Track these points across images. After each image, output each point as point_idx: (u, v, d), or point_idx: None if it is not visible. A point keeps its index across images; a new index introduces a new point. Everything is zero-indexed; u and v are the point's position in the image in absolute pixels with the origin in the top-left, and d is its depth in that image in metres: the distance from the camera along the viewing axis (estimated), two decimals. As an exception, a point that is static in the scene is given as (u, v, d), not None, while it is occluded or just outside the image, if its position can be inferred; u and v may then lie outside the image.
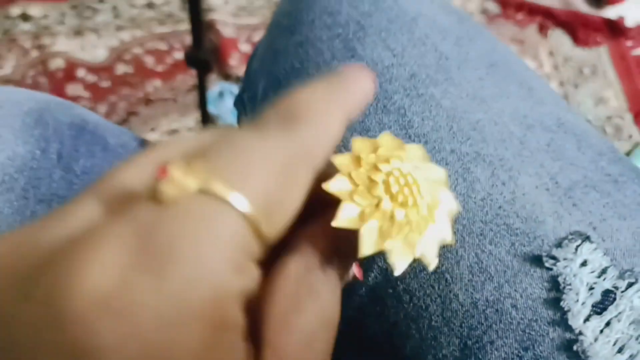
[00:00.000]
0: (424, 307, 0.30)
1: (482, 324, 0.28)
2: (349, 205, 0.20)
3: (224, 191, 0.17)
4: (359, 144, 0.22)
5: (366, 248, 0.20)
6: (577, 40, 1.33)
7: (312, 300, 0.19)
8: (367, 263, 0.32)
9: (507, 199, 0.30)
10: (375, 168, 0.21)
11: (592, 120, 1.23)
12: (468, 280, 0.29)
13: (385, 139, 0.22)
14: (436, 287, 0.29)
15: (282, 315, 0.18)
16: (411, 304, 0.30)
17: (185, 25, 1.14)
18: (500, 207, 0.30)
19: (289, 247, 0.20)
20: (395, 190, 0.20)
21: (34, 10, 1.13)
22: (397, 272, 0.20)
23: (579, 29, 1.34)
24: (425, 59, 0.36)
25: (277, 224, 0.18)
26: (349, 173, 0.21)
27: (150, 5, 1.19)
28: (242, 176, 0.17)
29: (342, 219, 0.20)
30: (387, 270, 0.31)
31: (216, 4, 1.20)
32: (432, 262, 0.21)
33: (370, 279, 0.31)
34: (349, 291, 0.32)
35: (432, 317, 0.29)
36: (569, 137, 0.33)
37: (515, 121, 0.33)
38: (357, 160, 0.21)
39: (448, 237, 0.21)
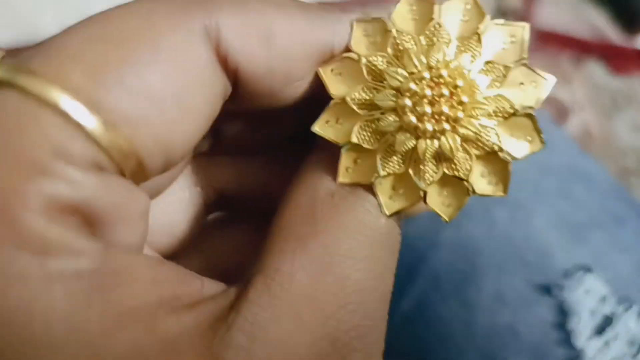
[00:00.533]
0: (449, 330, 0.35)
1: (500, 343, 0.33)
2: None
3: (33, 84, 0.14)
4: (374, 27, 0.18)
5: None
6: (610, 69, 1.36)
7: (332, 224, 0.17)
8: (400, 291, 0.37)
9: (522, 236, 0.35)
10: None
11: (628, 147, 1.25)
12: (488, 307, 0.34)
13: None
14: (461, 313, 0.34)
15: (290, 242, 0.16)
16: (439, 327, 0.35)
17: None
18: (516, 244, 0.35)
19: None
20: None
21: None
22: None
23: (613, 58, 1.36)
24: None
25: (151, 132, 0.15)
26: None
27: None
28: (73, 65, 0.15)
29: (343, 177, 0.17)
30: (419, 298, 0.36)
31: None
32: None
33: (404, 305, 0.37)
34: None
35: (457, 338, 0.34)
36: (578, 180, 0.38)
37: (530, 167, 0.38)
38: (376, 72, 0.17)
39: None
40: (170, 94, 0.15)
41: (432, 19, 0.17)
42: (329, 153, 0.18)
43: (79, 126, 0.14)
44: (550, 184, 0.38)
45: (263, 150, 0.23)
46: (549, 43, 1.38)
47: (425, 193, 0.17)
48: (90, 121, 0.14)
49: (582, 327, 0.31)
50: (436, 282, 0.36)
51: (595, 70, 1.35)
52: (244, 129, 0.22)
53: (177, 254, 0.21)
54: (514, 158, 0.17)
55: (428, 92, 0.16)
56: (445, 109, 0.16)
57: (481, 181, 0.17)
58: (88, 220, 0.15)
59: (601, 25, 1.38)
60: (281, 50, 0.17)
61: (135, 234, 0.16)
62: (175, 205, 0.21)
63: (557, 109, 1.22)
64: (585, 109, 1.30)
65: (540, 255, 0.35)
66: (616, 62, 1.35)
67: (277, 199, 0.20)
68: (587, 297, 0.32)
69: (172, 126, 0.16)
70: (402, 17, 0.18)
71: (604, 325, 0.31)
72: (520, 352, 0.33)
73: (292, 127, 0.21)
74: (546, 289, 0.33)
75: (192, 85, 0.16)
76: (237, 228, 0.23)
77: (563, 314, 0.32)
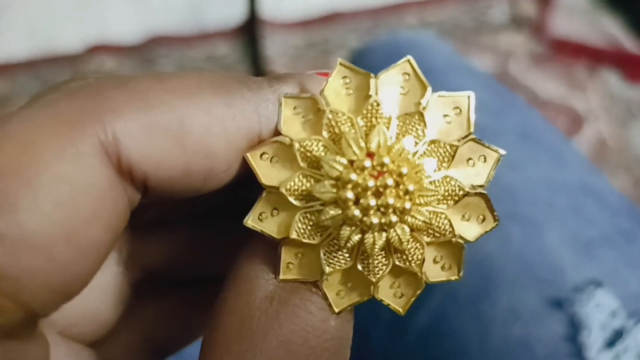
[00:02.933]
0: (464, 343, 0.36)
1: (513, 357, 0.34)
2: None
3: None
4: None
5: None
6: (625, 78, 1.35)
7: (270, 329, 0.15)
8: (416, 305, 0.38)
9: (535, 252, 0.37)
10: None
11: (643, 156, 1.25)
12: (502, 321, 0.35)
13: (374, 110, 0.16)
14: (475, 327, 0.36)
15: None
16: (454, 341, 0.36)
17: (243, 76, 1.21)
18: (529, 260, 0.36)
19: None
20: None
21: (108, 64, 1.23)
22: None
23: (627, 67, 1.36)
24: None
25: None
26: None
27: (210, 59, 1.28)
28: None
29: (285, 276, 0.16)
30: (435, 312, 0.37)
31: (273, 56, 1.28)
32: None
33: (419, 320, 0.38)
34: (400, 332, 0.39)
35: (471, 352, 0.35)
36: (589, 198, 0.39)
37: (543, 185, 0.40)
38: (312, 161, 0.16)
39: None
40: (59, 235, 0.14)
41: (368, 95, 0.16)
42: (264, 244, 0.16)
43: None
44: (562, 201, 0.39)
45: (192, 219, 0.21)
46: (564, 52, 1.38)
47: (376, 287, 0.16)
48: None
49: (593, 340, 0.33)
50: (452, 296, 0.37)
51: (610, 79, 1.35)
52: (163, 208, 0.21)
53: (108, 334, 0.20)
54: (466, 241, 0.17)
55: (371, 183, 0.15)
56: (391, 200, 0.15)
57: (434, 267, 0.17)
58: None
59: (616, 33, 1.38)
60: (198, 147, 0.15)
61: None
62: (98, 292, 0.19)
63: (572, 118, 1.23)
64: (600, 118, 1.30)
65: (552, 271, 0.36)
66: (631, 71, 1.34)
67: (206, 269, 0.20)
68: (598, 311, 0.33)
69: (66, 269, 0.14)
70: (335, 92, 0.16)
71: (614, 338, 0.33)
72: (533, 365, 0.34)
73: (217, 200, 0.19)
74: (558, 304, 0.34)
75: (85, 217, 0.14)
76: (169, 298, 0.22)
77: (574, 327, 0.33)
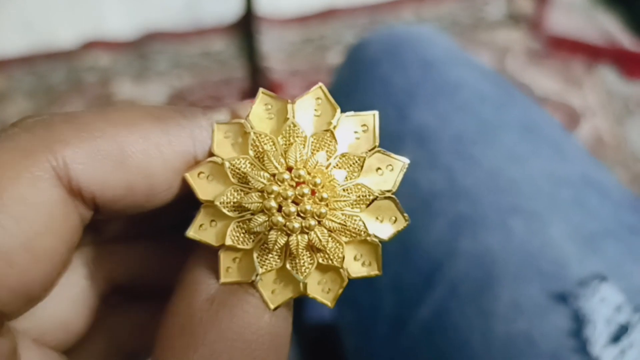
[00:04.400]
0: (467, 338, 0.35)
1: (516, 352, 0.34)
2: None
3: None
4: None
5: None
6: (622, 75, 1.36)
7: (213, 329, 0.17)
8: (417, 300, 0.38)
9: (538, 246, 0.36)
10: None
11: None
12: (504, 315, 0.35)
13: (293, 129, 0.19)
14: (478, 321, 0.35)
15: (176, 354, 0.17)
16: (456, 336, 0.36)
17: (239, 72, 1.21)
18: (532, 253, 0.36)
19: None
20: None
21: (103, 60, 1.23)
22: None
23: (625, 64, 1.36)
24: (466, 122, 0.42)
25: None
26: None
27: (206, 55, 1.27)
28: None
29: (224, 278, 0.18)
30: (437, 306, 0.37)
31: (269, 52, 1.27)
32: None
33: (421, 314, 0.37)
34: (402, 326, 0.39)
35: (474, 346, 0.35)
36: (592, 191, 0.39)
37: (545, 178, 0.39)
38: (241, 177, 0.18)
39: None
40: (18, 245, 0.16)
41: (287, 118, 0.18)
42: (206, 253, 0.18)
43: None
44: (565, 195, 0.38)
45: (149, 235, 0.23)
46: (561, 48, 1.38)
47: (305, 283, 0.18)
48: None
49: (598, 335, 0.32)
50: (454, 291, 0.36)
51: (607, 75, 1.35)
52: (124, 224, 0.23)
53: (78, 342, 0.22)
54: (381, 240, 0.19)
55: (290, 192, 0.17)
56: (308, 207, 0.17)
57: (355, 264, 0.19)
58: None
59: (613, 30, 1.38)
60: (138, 169, 0.17)
61: None
62: (67, 302, 0.21)
63: (569, 114, 1.23)
64: (597, 114, 1.30)
65: (555, 265, 0.35)
66: (628, 68, 1.35)
67: (168, 279, 0.21)
68: (603, 306, 0.33)
69: (26, 274, 0.16)
70: (258, 117, 0.19)
71: (620, 333, 0.32)
72: (537, 360, 0.33)
73: (174, 216, 0.21)
74: (562, 298, 0.34)
75: (41, 230, 0.16)
76: (138, 307, 0.24)
77: (579, 322, 0.33)
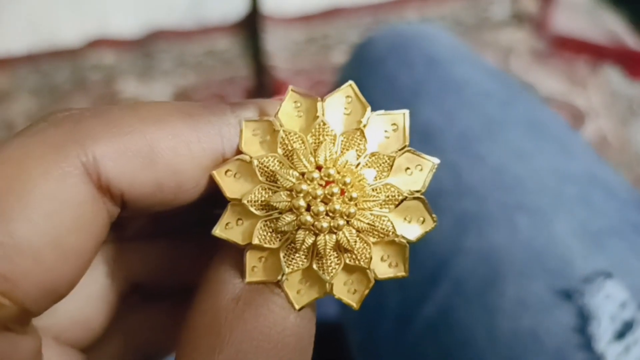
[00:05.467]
0: (472, 335, 0.35)
1: (521, 348, 0.34)
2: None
3: None
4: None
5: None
6: (627, 75, 1.35)
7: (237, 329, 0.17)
8: (422, 297, 0.38)
9: (543, 243, 0.36)
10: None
11: (643, 153, 1.25)
12: (509, 311, 0.35)
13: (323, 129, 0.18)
14: (483, 318, 0.35)
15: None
16: (462, 333, 0.36)
17: (243, 71, 1.21)
18: (537, 250, 0.36)
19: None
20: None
21: (108, 59, 1.23)
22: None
23: (629, 64, 1.36)
24: (472, 120, 0.42)
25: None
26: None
27: (210, 53, 1.27)
28: None
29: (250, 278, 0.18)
30: (442, 303, 0.37)
31: (274, 51, 1.27)
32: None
33: (426, 311, 0.38)
34: (407, 323, 0.39)
35: (479, 343, 0.35)
36: (598, 189, 0.39)
37: (550, 175, 0.39)
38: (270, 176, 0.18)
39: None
40: (47, 242, 0.16)
41: (316, 116, 0.18)
42: (232, 252, 0.18)
43: None
44: (570, 192, 0.38)
45: (171, 234, 0.23)
46: (565, 48, 1.38)
47: (331, 284, 0.18)
48: None
49: (603, 331, 0.32)
50: (459, 287, 0.36)
51: (612, 76, 1.35)
52: (147, 222, 0.23)
53: (97, 340, 0.22)
54: (409, 241, 0.18)
55: (319, 191, 0.17)
56: (337, 206, 0.17)
57: (382, 265, 0.18)
58: None
59: (618, 30, 1.37)
60: (167, 166, 0.17)
61: None
62: (88, 300, 0.22)
63: (573, 114, 1.22)
64: (601, 115, 1.30)
65: (561, 261, 0.35)
66: (633, 68, 1.34)
67: (188, 279, 0.22)
68: (607, 303, 0.33)
69: (54, 271, 0.16)
70: (287, 115, 0.19)
71: (624, 330, 0.32)
72: (542, 356, 0.33)
73: (196, 214, 0.21)
74: (567, 295, 0.34)
75: (69, 226, 0.16)
76: (156, 307, 0.24)
77: (583, 318, 0.33)
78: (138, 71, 1.22)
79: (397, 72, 0.46)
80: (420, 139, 0.41)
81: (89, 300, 0.22)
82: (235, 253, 0.18)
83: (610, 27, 1.39)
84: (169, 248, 0.23)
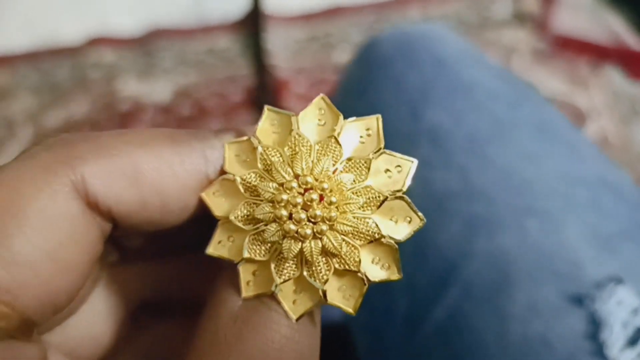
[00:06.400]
0: (482, 339, 0.35)
1: (532, 354, 0.33)
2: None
3: None
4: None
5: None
6: (629, 75, 1.35)
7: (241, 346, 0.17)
8: (432, 300, 0.38)
9: (553, 247, 0.36)
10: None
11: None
12: (520, 317, 0.34)
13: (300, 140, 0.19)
14: (494, 323, 0.35)
15: None
16: (471, 337, 0.36)
17: (244, 70, 1.21)
18: (547, 254, 0.36)
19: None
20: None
21: (108, 57, 1.23)
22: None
23: (631, 64, 1.36)
24: (480, 122, 0.42)
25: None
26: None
27: (211, 52, 1.27)
28: None
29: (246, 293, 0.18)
30: (452, 307, 0.37)
31: (275, 50, 1.27)
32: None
33: (436, 315, 0.37)
34: (416, 327, 0.38)
35: (489, 348, 0.35)
36: (608, 192, 0.39)
37: (560, 178, 0.39)
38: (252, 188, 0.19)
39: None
40: (43, 255, 0.17)
41: (292, 129, 0.19)
42: (231, 272, 0.19)
43: None
44: (580, 195, 0.38)
45: (173, 254, 0.24)
46: (567, 48, 1.38)
47: (324, 291, 0.18)
48: None
49: (615, 338, 0.32)
50: (469, 292, 0.36)
51: (613, 76, 1.35)
52: (146, 242, 0.24)
53: (108, 357, 0.23)
54: (397, 241, 0.18)
55: (299, 199, 0.18)
56: (318, 212, 0.18)
57: (373, 268, 0.19)
58: None
59: (619, 30, 1.37)
60: (151, 186, 0.18)
61: None
62: (96, 318, 0.22)
63: (574, 115, 1.22)
64: (603, 115, 1.30)
65: (571, 266, 0.35)
66: (634, 68, 1.34)
67: (195, 296, 0.22)
68: (619, 309, 0.33)
69: (51, 282, 0.17)
70: (265, 132, 0.19)
71: (637, 336, 0.32)
72: (553, 363, 0.33)
73: (194, 233, 0.22)
74: (578, 300, 0.34)
75: (63, 240, 0.17)
76: (164, 324, 0.24)
77: (595, 325, 0.33)
78: (138, 69, 1.22)
79: (405, 72, 0.46)
80: (429, 141, 0.41)
81: (100, 319, 0.22)
82: (232, 272, 0.19)
83: (612, 27, 1.39)
84: (176, 267, 0.24)
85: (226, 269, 0.19)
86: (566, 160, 0.40)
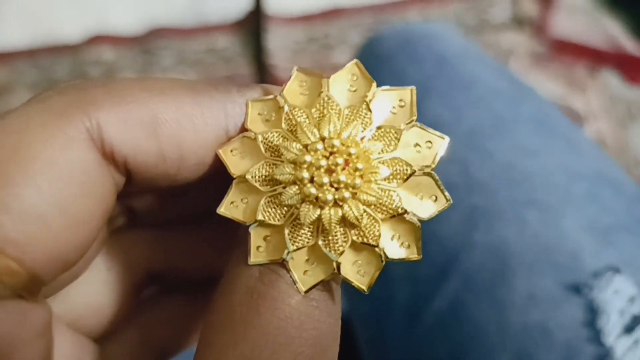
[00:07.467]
0: (482, 329, 0.36)
1: (532, 342, 0.34)
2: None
3: None
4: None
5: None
6: (625, 79, 1.36)
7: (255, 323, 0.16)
8: (432, 291, 0.38)
9: (552, 238, 0.36)
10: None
11: (641, 157, 1.25)
12: (520, 306, 0.35)
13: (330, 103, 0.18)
14: (493, 313, 0.35)
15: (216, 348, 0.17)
16: (472, 327, 0.36)
17: (244, 69, 1.21)
18: (547, 245, 0.36)
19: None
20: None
21: (108, 55, 1.23)
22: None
23: (628, 68, 1.36)
24: (481, 117, 0.43)
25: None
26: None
27: (211, 51, 1.27)
28: None
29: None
30: (452, 298, 0.37)
31: (274, 50, 1.27)
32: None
33: (436, 305, 0.38)
34: (417, 317, 0.39)
35: (489, 337, 0.35)
36: (606, 186, 0.39)
37: (559, 172, 0.39)
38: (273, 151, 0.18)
39: None
40: (54, 207, 0.16)
41: (321, 92, 0.18)
42: (246, 246, 0.18)
43: None
44: (579, 189, 0.39)
45: (184, 222, 0.23)
46: (565, 52, 1.38)
47: (339, 264, 0.17)
48: None
49: (612, 326, 0.32)
50: (469, 282, 0.37)
51: (610, 80, 1.35)
52: (156, 204, 0.22)
53: (111, 331, 0.22)
54: (420, 219, 0.17)
55: (323, 162, 0.17)
56: (342, 177, 0.17)
57: (392, 245, 0.17)
58: None
59: (617, 34, 1.38)
60: (170, 137, 0.17)
61: (34, 354, 0.16)
62: (100, 287, 0.21)
63: (572, 118, 1.23)
64: (600, 118, 1.30)
65: (570, 257, 0.36)
66: (631, 72, 1.35)
67: (206, 270, 0.21)
68: (616, 297, 0.33)
69: (62, 237, 0.16)
70: (293, 93, 0.18)
71: (633, 324, 0.32)
72: (552, 350, 0.34)
73: (207, 200, 0.21)
74: (576, 289, 0.34)
75: (76, 192, 0.16)
76: (171, 299, 0.24)
77: (593, 313, 0.33)
78: (138, 68, 1.22)
79: (406, 67, 0.47)
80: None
81: (103, 288, 0.21)
82: (246, 245, 0.18)
83: (610, 31, 1.40)
84: (185, 237, 0.23)
85: (242, 243, 0.18)
86: (565, 155, 0.41)
